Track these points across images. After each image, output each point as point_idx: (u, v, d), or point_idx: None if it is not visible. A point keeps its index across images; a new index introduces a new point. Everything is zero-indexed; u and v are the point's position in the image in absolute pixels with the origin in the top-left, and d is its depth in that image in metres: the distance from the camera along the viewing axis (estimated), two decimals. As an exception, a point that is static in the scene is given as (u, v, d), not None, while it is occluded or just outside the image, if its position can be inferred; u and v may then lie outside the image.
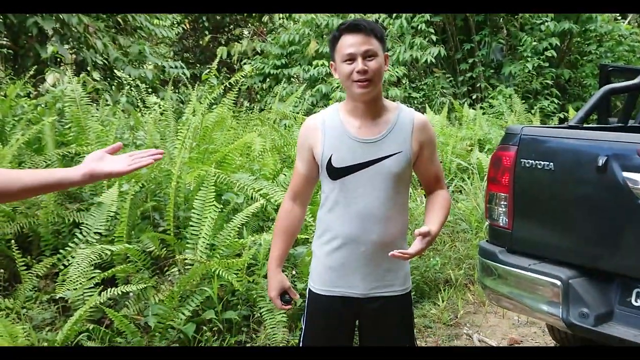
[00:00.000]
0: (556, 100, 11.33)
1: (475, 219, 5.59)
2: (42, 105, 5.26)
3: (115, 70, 8.69)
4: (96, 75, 8.34)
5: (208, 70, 5.95)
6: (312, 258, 2.27)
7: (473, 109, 10.41)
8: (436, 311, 4.28)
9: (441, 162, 7.39)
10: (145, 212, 4.20)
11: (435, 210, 2.16)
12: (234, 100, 4.78)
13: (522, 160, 2.91)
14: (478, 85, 11.57)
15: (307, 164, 2.19)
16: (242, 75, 4.33)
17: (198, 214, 3.71)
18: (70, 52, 8.10)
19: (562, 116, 10.76)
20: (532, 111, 10.37)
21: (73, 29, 7.22)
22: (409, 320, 2.29)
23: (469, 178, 6.89)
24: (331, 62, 2.14)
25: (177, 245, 3.81)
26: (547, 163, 2.80)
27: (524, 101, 10.67)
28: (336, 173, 2.11)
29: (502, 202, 3.02)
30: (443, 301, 4.36)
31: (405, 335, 2.25)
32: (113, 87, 8.60)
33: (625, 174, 2.54)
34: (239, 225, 3.67)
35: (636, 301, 2.65)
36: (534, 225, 2.96)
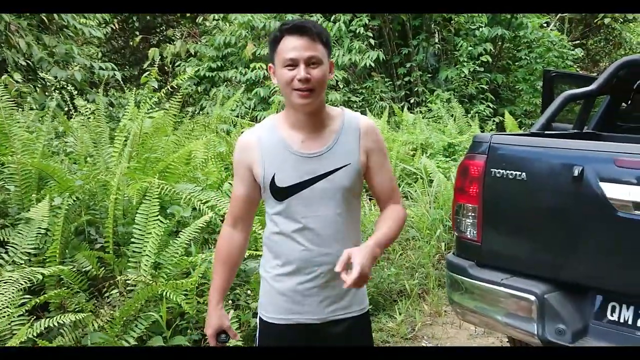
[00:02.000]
0: (491, 105, 11.52)
1: (425, 226, 5.49)
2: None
3: (40, 72, 8.16)
4: (18, 76, 7.76)
5: (148, 72, 5.58)
6: (261, 283, 2.06)
7: (412, 113, 10.43)
8: (393, 324, 4.12)
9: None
10: (80, 227, 3.82)
11: (384, 221, 1.95)
12: (176, 105, 4.45)
13: (492, 170, 2.78)
14: (415, 89, 11.62)
15: (246, 185, 1.98)
16: (183, 79, 4.02)
17: (140, 229, 3.39)
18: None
19: (497, 120, 10.93)
20: (470, 115, 10.49)
21: (-8, 26, 6.64)
22: (369, 340, 2.11)
23: (415, 182, 6.81)
24: (270, 65, 1.91)
25: (117, 264, 3.48)
26: (519, 173, 2.68)
27: (460, 105, 10.77)
28: (282, 193, 1.90)
29: (471, 214, 2.88)
30: (400, 314, 4.20)
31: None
32: (37, 89, 8.03)
33: (603, 185, 2.45)
34: (186, 241, 3.38)
35: (611, 315, 2.56)
36: (505, 238, 2.84)
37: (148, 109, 4.27)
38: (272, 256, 1.98)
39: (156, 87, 6.15)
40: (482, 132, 9.47)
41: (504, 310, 2.71)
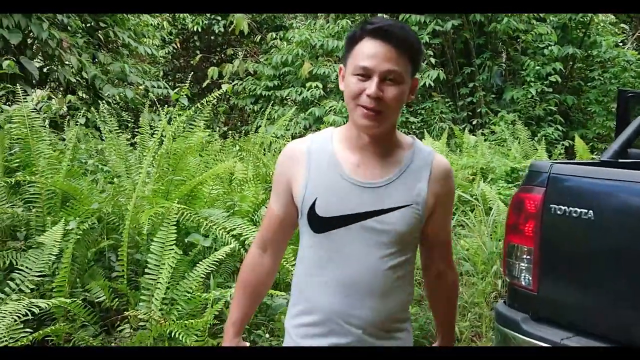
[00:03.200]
0: (560, 128, 10.81)
1: (481, 260, 4.98)
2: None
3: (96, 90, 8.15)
4: (71, 96, 7.77)
5: (178, 88, 5.36)
6: (285, 335, 1.67)
7: (473, 135, 9.88)
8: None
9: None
10: (101, 251, 3.57)
11: (446, 310, 1.77)
12: (206, 122, 4.16)
13: (551, 205, 2.32)
14: (478, 110, 11.04)
15: (283, 203, 1.62)
16: (216, 95, 3.75)
17: (156, 259, 3.10)
18: (44, 68, 7.52)
19: (566, 144, 10.21)
20: (537, 139, 9.83)
21: (45, 43, 6.65)
22: None
23: (472, 211, 6.30)
24: (340, 66, 1.56)
25: (132, 295, 3.20)
26: (585, 211, 2.21)
27: (526, 127, 10.13)
28: (320, 224, 1.53)
29: (525, 257, 2.42)
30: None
31: None
32: (92, 107, 8.04)
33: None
34: (202, 275, 3.05)
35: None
36: (567, 287, 2.35)
37: (177, 128, 4.00)
38: (297, 300, 1.62)
39: (186, 104, 5.94)
40: (549, 157, 8.83)
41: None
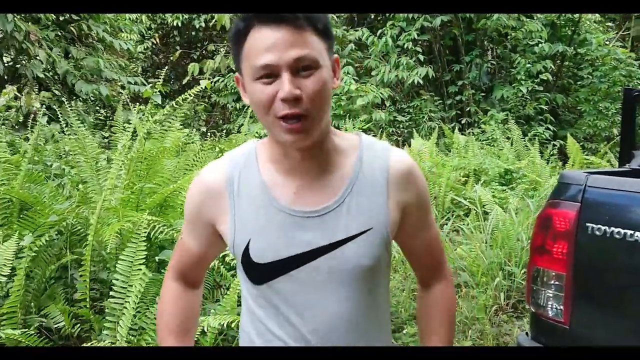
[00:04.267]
0: (550, 127, 10.54)
1: (480, 271, 4.64)
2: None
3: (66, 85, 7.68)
4: (45, 92, 7.30)
5: (150, 85, 4.95)
6: (239, 337, 1.33)
7: (463, 134, 9.57)
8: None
9: (435, 197, 6.48)
10: (64, 266, 3.15)
11: (437, 332, 1.32)
12: (183, 121, 3.73)
13: (588, 224, 1.96)
14: (467, 109, 10.75)
15: (203, 242, 1.27)
16: (192, 93, 3.35)
17: (123, 281, 2.70)
18: (5, 63, 7.03)
19: (557, 144, 9.94)
20: (527, 138, 9.54)
21: (11, 36, 6.18)
22: None
23: (466, 215, 5.97)
24: (236, 75, 1.17)
25: (95, 320, 2.79)
26: (631, 232, 1.86)
27: (517, 127, 9.84)
28: (259, 273, 1.17)
29: (554, 283, 2.07)
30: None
31: None
32: (63, 104, 7.58)
33: None
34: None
35: None
36: (606, 321, 2.01)
37: (156, 128, 3.59)
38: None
39: (159, 102, 5.51)
40: (541, 156, 8.52)
41: None
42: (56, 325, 2.85)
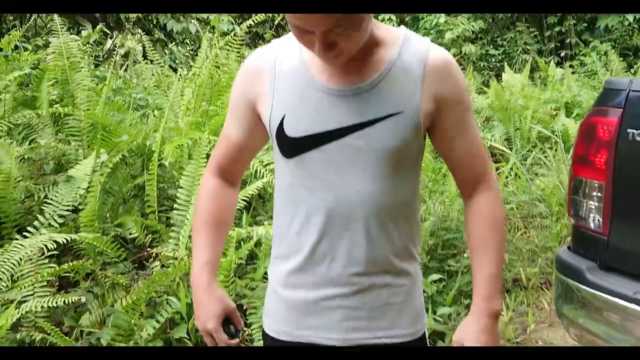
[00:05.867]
0: (661, 58, 9.74)
1: (556, 201, 4.50)
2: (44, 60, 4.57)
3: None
4: (141, 32, 7.66)
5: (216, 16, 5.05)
6: (268, 285, 1.39)
7: (561, 67, 9.05)
8: (499, 323, 3.30)
9: (518, 129, 6.27)
10: (141, 185, 3.41)
11: (481, 247, 1.28)
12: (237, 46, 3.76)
13: (629, 130, 1.87)
14: (568, 41, 10.11)
15: (245, 129, 1.31)
16: (257, 19, 3.41)
17: (185, 195, 2.90)
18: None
19: (668, 77, 9.18)
20: (632, 70, 8.87)
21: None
22: None
23: (551, 149, 5.74)
24: None
25: (163, 231, 3.03)
26: (674, 136, 1.76)
27: (621, 59, 9.16)
28: (291, 147, 1.21)
29: (596, 194, 2.00)
30: (509, 310, 3.37)
31: None
32: (157, 44, 7.91)
33: None
34: (233, 211, 2.83)
35: None
36: (646, 232, 1.93)
37: (223, 55, 3.73)
38: (278, 241, 1.33)
39: (227, 30, 5.60)
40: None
41: (620, 334, 1.85)
42: (130, 236, 3.12)
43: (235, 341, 1.35)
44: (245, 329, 1.41)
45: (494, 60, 9.80)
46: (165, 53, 6.66)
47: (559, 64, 9.59)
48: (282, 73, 1.22)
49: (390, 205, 1.22)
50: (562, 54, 10.06)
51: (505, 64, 9.34)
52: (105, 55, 6.08)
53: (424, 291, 2.54)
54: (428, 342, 1.39)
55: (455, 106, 1.21)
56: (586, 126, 2.03)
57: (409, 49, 1.19)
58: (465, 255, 3.55)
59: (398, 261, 1.26)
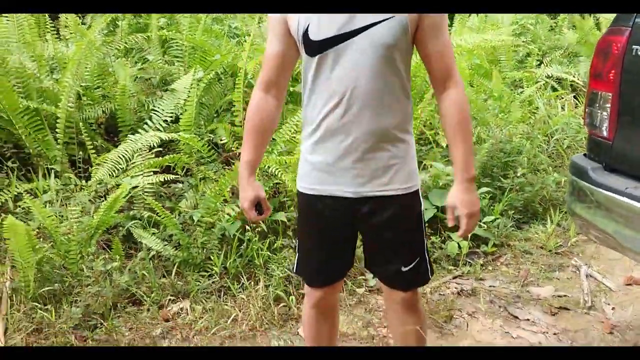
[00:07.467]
0: None
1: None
2: None
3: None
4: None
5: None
6: (300, 156, 1.89)
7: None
8: (543, 235, 3.62)
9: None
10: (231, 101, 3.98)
11: (454, 136, 1.71)
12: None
13: (634, 47, 2.13)
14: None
15: (282, 41, 1.75)
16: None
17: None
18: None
19: None
20: None
21: None
22: (411, 223, 1.83)
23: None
24: None
25: (247, 138, 3.57)
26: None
27: None
28: (314, 47, 1.66)
29: (606, 105, 2.28)
30: (553, 224, 3.67)
31: (410, 237, 1.84)
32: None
33: None
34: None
35: None
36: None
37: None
38: (305, 123, 1.82)
39: None
40: None
41: (626, 229, 2.15)
42: (221, 142, 3.70)
43: (261, 217, 1.91)
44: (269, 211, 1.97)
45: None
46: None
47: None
48: None
49: (389, 92, 1.67)
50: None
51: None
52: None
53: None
54: (421, 197, 1.84)
55: (434, 17, 1.64)
56: (602, 44, 2.29)
57: None
58: (517, 173, 3.85)
59: (396, 132, 1.71)
